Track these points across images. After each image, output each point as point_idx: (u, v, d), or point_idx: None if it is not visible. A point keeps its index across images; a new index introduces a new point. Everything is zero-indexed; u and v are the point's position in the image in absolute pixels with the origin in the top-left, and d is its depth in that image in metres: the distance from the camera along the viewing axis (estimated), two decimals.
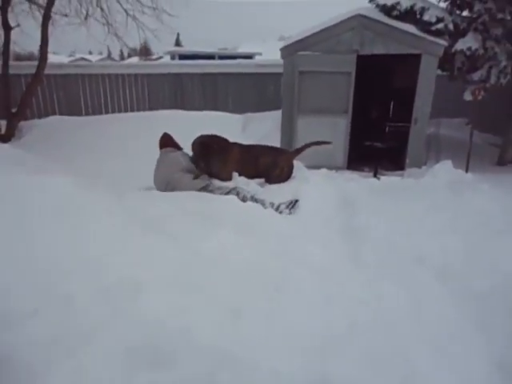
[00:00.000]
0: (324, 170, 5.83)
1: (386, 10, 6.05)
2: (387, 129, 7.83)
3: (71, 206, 1.98)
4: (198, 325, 1.56)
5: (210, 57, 12.78)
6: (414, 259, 2.45)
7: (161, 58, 26.74)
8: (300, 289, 2.04)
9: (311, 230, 3.08)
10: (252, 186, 4.37)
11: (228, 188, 4.01)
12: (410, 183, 4.56)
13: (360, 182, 4.60)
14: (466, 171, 5.41)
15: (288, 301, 1.90)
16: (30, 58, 14.16)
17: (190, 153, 4.33)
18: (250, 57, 13.02)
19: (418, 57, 6.03)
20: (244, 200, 3.66)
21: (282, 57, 6.77)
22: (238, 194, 3.77)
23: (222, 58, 12.69)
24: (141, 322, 1.50)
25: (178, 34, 69.00)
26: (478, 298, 2.09)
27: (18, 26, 7.31)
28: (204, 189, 3.87)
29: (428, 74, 6.04)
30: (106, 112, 9.15)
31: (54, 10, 7.49)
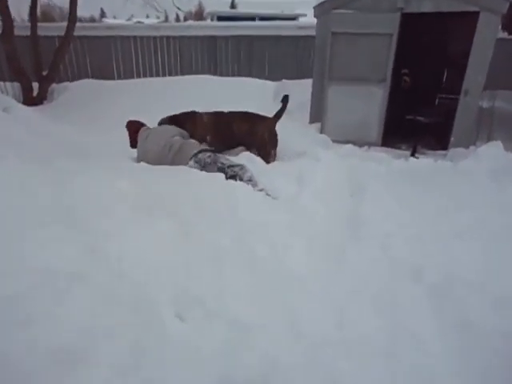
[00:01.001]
0: (349, 146, 5.25)
1: None
2: (437, 101, 6.89)
3: None
4: None
5: (251, 18, 12.05)
6: (410, 271, 1.94)
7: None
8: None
9: (300, 220, 2.63)
10: (257, 164, 3.98)
11: (233, 163, 3.67)
12: (444, 167, 3.88)
13: (384, 164, 3.99)
14: None
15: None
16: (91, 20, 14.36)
17: None
18: (293, 18, 12.10)
19: (475, 15, 5.04)
20: (240, 179, 3.32)
21: (316, 16, 6.03)
22: (237, 172, 3.44)
23: (263, 19, 11.91)
24: None
25: None
26: (482, 339, 1.56)
27: None
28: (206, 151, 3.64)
29: (486, 36, 5.04)
30: (138, 76, 8.96)
31: None
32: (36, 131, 4.52)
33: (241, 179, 3.34)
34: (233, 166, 3.55)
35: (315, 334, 1.45)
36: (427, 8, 5.25)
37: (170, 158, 3.62)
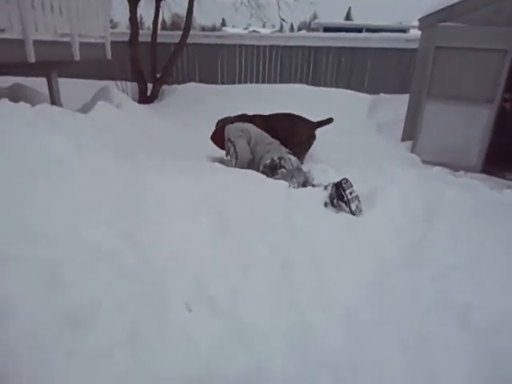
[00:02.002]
0: (437, 169, 4.85)
1: None
2: None
3: None
4: None
5: (358, 30, 11.80)
6: (455, 310, 1.74)
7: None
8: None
9: (357, 238, 2.53)
10: (329, 172, 3.94)
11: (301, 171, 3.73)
12: None
13: (472, 192, 3.60)
14: None
15: None
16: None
17: None
18: (403, 31, 11.49)
19: None
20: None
21: (420, 28, 5.71)
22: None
23: (369, 30, 11.57)
24: None
25: (350, 8, 66.45)
26: None
27: None
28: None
29: None
30: (239, 82, 9.45)
31: None
32: (139, 126, 5.11)
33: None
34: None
35: (323, 353, 1.41)
36: None
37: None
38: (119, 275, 1.35)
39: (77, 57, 4.97)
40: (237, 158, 3.77)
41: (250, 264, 1.75)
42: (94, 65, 7.10)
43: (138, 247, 1.52)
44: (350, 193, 3.11)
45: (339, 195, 3.08)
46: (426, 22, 5.52)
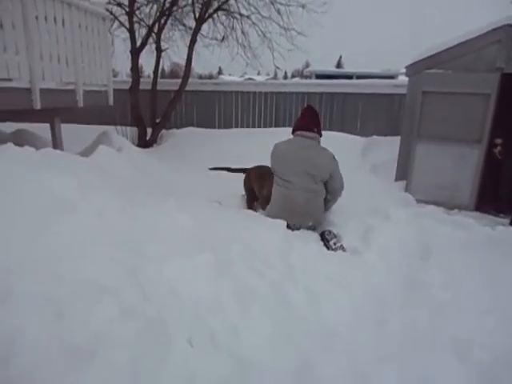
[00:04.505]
0: (431, 207, 4.92)
1: None
2: None
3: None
4: None
5: (348, 77, 12.41)
6: (454, 346, 1.74)
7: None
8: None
9: (353, 276, 2.55)
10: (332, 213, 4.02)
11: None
12: None
13: (465, 229, 3.66)
14: None
15: None
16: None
17: None
18: (391, 77, 12.10)
19: None
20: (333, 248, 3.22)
21: (407, 75, 6.04)
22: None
23: (360, 77, 12.17)
24: None
25: (340, 56, 69.69)
26: None
27: (167, 48, 8.52)
28: None
29: None
30: (236, 126, 9.77)
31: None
32: (138, 168, 5.23)
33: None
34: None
35: None
36: None
37: None
38: (121, 311, 1.36)
39: (80, 103, 5.18)
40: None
41: (249, 300, 1.76)
42: (95, 110, 7.37)
43: (138, 284, 1.54)
44: (334, 243, 3.23)
45: (324, 245, 3.20)
46: (413, 69, 5.85)
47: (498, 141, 5.18)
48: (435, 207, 4.97)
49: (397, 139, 8.45)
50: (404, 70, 6.29)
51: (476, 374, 1.59)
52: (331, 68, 23.43)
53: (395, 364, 1.65)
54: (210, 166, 7.19)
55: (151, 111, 8.61)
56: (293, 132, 3.82)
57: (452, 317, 1.98)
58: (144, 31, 8.69)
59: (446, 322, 1.95)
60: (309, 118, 3.80)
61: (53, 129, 5.48)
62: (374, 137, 8.60)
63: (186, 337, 1.42)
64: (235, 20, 9.08)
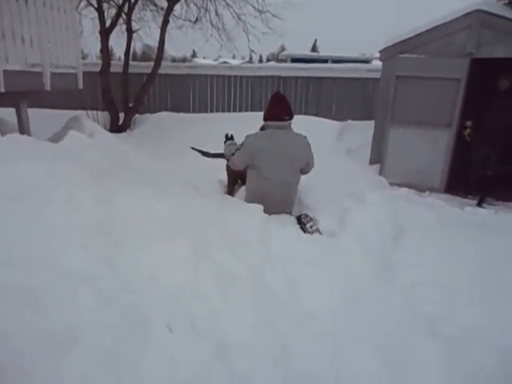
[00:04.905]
0: (404, 190, 5.06)
1: None
2: None
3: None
4: None
5: (324, 61, 12.42)
6: (427, 322, 1.82)
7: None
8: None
9: (331, 259, 2.60)
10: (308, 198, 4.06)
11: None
12: (506, 220, 3.59)
13: (437, 210, 3.79)
14: None
15: None
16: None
17: None
18: (366, 61, 12.20)
19: None
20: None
21: (381, 59, 6.10)
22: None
23: (335, 61, 12.19)
24: None
25: (316, 40, 69.34)
26: None
27: (139, 29, 8.25)
28: None
29: None
30: (211, 110, 9.64)
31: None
32: (112, 154, 5.08)
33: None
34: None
35: (304, 367, 1.44)
36: (500, 53, 5.03)
37: None
38: (98, 300, 1.34)
39: (48, 87, 4.96)
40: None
41: (229, 285, 1.77)
42: (64, 95, 7.09)
43: (115, 272, 1.52)
44: (311, 226, 3.29)
45: (301, 228, 3.25)
46: (386, 54, 5.91)
47: (468, 123, 5.35)
48: (408, 190, 5.12)
49: (371, 123, 8.57)
50: (378, 55, 6.35)
51: (447, 348, 1.67)
52: (307, 52, 23.33)
53: (372, 342, 1.71)
54: (189, 148, 7.12)
55: (123, 95, 8.36)
56: (265, 120, 3.65)
57: (423, 295, 2.06)
58: (114, 11, 8.37)
59: (417, 299, 2.03)
60: (281, 105, 3.69)
61: (19, 114, 5.23)
62: (349, 121, 8.70)
63: (165, 323, 1.42)
64: (209, 1, 8.86)
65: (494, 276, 2.26)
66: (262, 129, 3.77)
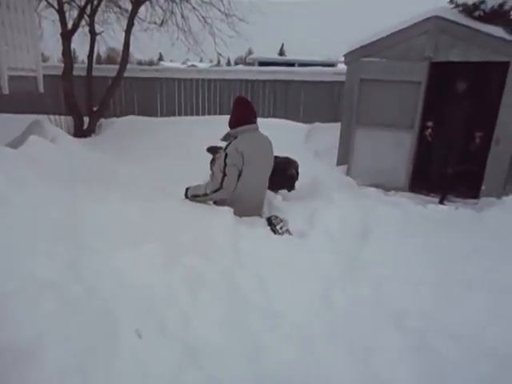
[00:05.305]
0: (371, 190, 5.21)
1: (467, 11, 5.15)
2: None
3: None
4: None
5: (290, 64, 12.60)
6: (394, 317, 1.89)
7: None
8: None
9: (300, 258, 2.64)
10: (277, 199, 4.08)
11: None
12: (465, 215, 3.76)
13: (402, 208, 3.93)
14: None
15: None
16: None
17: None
18: (331, 65, 12.49)
19: (504, 65, 5.01)
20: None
21: (346, 63, 6.27)
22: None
23: (301, 65, 12.40)
24: None
25: (283, 44, 70.28)
26: None
27: (102, 32, 8.06)
28: None
29: None
30: (179, 114, 9.53)
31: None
32: (76, 159, 4.93)
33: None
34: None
35: (273, 368, 1.45)
36: (456, 57, 5.29)
37: None
38: (64, 306, 1.30)
39: (5, 90, 4.76)
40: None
41: (199, 288, 1.76)
42: (25, 98, 6.82)
43: (80, 277, 1.47)
44: (281, 227, 3.31)
45: (271, 230, 3.27)
46: (351, 57, 6.07)
47: (429, 123, 5.60)
48: (374, 189, 5.27)
49: (338, 125, 8.74)
50: (343, 59, 6.52)
51: (411, 340, 1.73)
52: (274, 55, 23.58)
53: (342, 338, 1.75)
54: (156, 155, 6.97)
55: (87, 99, 8.13)
56: (235, 126, 3.51)
57: (390, 290, 2.13)
58: (76, 13, 8.13)
59: (385, 295, 2.10)
60: (249, 109, 3.67)
61: None
62: (317, 123, 8.84)
63: (134, 328, 1.39)
64: (174, 4, 8.79)
65: (455, 268, 2.37)
66: (229, 136, 3.61)
